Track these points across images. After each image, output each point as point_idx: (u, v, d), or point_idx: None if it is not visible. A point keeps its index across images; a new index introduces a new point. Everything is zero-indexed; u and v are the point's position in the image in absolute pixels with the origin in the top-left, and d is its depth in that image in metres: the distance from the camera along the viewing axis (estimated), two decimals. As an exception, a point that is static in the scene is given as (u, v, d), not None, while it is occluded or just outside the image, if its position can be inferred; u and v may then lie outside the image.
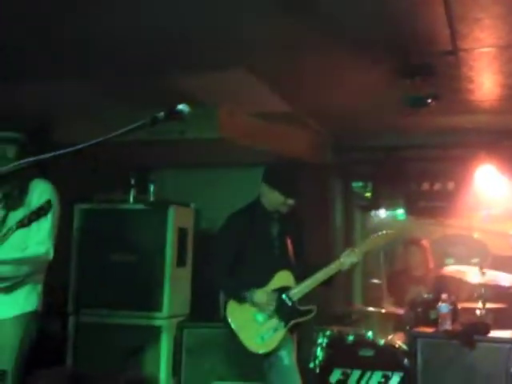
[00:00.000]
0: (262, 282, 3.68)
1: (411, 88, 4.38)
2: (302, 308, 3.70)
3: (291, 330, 3.74)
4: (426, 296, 4.74)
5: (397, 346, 4.57)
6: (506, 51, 3.93)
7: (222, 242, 3.81)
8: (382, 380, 4.43)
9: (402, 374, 4.39)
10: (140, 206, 5.13)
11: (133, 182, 5.18)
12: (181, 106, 2.02)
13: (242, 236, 3.74)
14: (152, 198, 5.20)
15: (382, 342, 4.61)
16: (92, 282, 5.09)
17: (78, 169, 5.84)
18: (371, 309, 5.00)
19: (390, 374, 4.42)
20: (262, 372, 3.70)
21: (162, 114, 2.00)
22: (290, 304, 3.67)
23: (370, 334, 4.68)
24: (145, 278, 4.99)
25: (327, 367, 4.65)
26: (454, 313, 4.34)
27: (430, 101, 4.40)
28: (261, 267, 3.70)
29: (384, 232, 3.84)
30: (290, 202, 3.71)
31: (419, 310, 4.64)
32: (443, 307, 4.25)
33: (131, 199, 5.16)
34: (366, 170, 6.47)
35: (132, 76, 4.45)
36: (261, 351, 3.61)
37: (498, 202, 5.87)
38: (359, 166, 6.49)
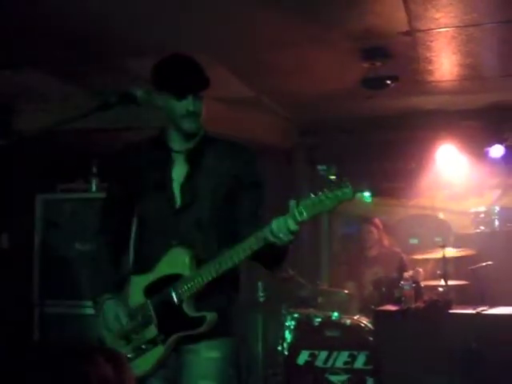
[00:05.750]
0: (145, 268, 2.39)
1: (370, 70, 4.42)
2: (192, 314, 2.29)
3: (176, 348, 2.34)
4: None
5: (362, 325, 4.63)
6: (464, 31, 3.92)
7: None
8: (349, 359, 4.49)
9: (367, 352, 4.46)
10: (103, 195, 5.07)
11: (95, 170, 5.11)
12: (132, 90, 2.00)
13: (128, 189, 2.54)
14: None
15: (348, 322, 4.67)
16: (56, 273, 5.03)
17: (39, 159, 5.79)
18: (336, 290, 5.06)
19: (356, 353, 4.48)
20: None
21: (113, 98, 1.98)
22: (175, 305, 2.29)
23: (336, 314, 4.74)
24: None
25: (295, 349, 4.70)
26: (417, 291, 4.41)
27: (389, 82, 4.45)
28: (149, 240, 2.42)
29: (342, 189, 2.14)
30: (191, 107, 2.33)
31: (383, 289, 4.72)
32: (406, 286, 4.32)
33: (93, 188, 5.10)
34: (330, 153, 6.50)
35: (88, 62, 4.39)
36: None
37: (458, 181, 5.97)
38: (323, 150, 6.52)
